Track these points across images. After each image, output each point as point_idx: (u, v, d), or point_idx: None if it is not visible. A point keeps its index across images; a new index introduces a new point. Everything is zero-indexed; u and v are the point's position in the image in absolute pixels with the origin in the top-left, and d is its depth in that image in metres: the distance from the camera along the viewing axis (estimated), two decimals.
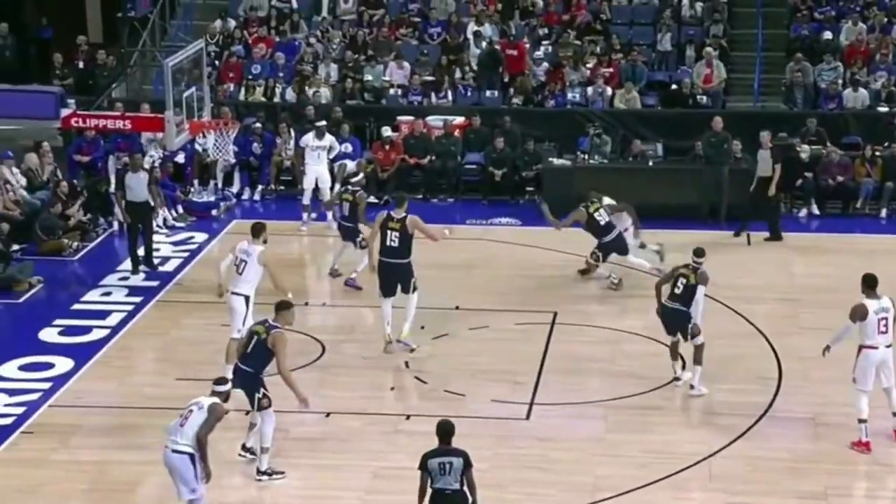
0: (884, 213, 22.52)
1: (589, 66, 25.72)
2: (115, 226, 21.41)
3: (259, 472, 13.39)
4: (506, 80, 25.95)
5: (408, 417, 14.80)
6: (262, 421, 13.28)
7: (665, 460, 13.76)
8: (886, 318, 13.85)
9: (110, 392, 15.58)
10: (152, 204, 19.80)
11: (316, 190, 21.68)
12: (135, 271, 19.49)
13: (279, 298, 13.85)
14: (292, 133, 23.57)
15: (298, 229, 21.45)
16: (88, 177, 22.67)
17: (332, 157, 22.30)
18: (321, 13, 28.01)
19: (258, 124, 23.87)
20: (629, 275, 18.78)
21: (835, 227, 22.00)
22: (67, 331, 17.36)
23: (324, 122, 22.34)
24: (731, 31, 27.18)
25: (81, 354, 16.53)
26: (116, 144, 23.00)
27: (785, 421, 14.75)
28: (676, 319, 15.30)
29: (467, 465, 11.16)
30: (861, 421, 13.93)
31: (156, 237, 20.23)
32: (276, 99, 25.63)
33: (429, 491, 11.21)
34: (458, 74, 26.05)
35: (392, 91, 25.85)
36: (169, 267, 19.86)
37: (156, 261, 19.79)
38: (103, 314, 17.92)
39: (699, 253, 15.43)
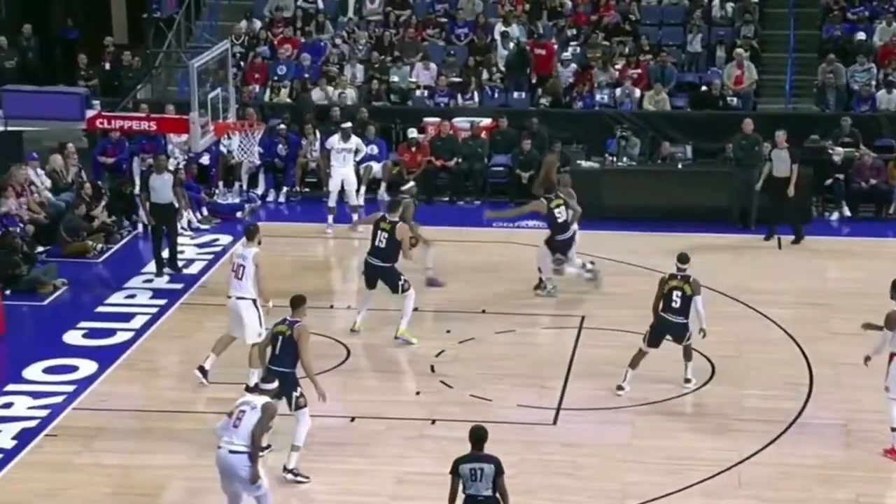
0: None
1: (617, 67, 25.54)
2: (140, 228, 21.38)
3: (286, 468, 13.35)
4: (533, 81, 25.78)
5: (433, 422, 14.69)
6: (297, 420, 13.28)
7: (694, 467, 13.62)
8: None
9: (134, 395, 15.56)
10: (177, 206, 19.78)
11: (342, 192, 21.57)
12: (159, 274, 19.45)
13: (295, 294, 13.72)
14: (318, 134, 23.48)
15: (323, 232, 21.36)
16: (113, 178, 22.67)
17: (358, 159, 22.21)
18: (347, 14, 27.92)
19: (283, 126, 23.80)
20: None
21: (867, 231, 21.80)
22: (91, 333, 17.34)
23: (349, 124, 22.26)
24: (762, 31, 26.94)
25: (105, 357, 16.50)
26: (141, 146, 22.97)
27: (816, 427, 14.60)
28: (676, 332, 15.19)
29: (499, 471, 11.08)
30: (894, 429, 13.76)
31: (180, 239, 20.19)
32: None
33: (461, 497, 11.11)
34: (485, 75, 25.91)
35: (418, 92, 25.74)
36: (193, 269, 19.81)
37: (180, 263, 19.74)
38: (127, 317, 17.90)
39: (683, 259, 15.22)
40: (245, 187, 23.46)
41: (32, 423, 14.67)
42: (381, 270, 16.74)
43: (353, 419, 14.64)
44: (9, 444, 14.21)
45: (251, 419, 11.70)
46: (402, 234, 16.70)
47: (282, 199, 23.57)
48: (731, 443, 14.22)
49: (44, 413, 14.93)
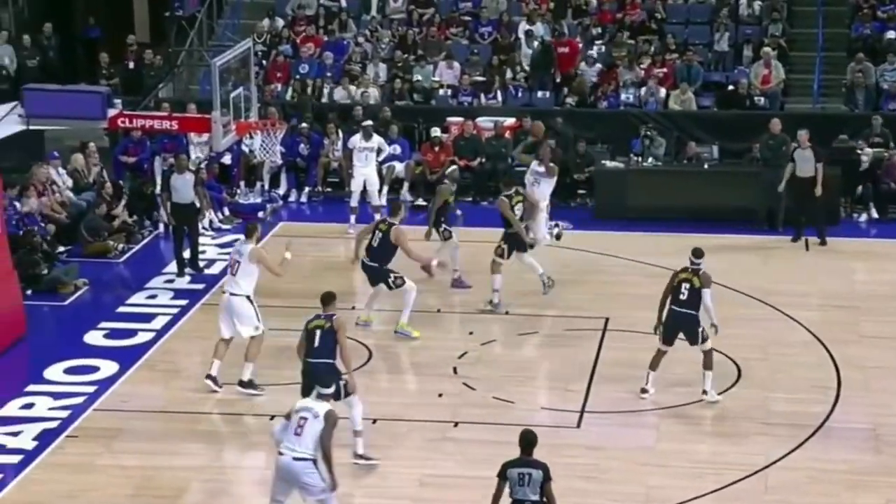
0: None
1: (643, 66, 25.37)
2: (161, 228, 21.34)
3: (356, 454, 13.50)
4: (558, 80, 25.63)
5: (455, 424, 14.61)
6: (350, 406, 13.37)
7: (719, 471, 13.51)
8: None
9: (155, 396, 15.52)
10: (198, 206, 19.72)
11: (364, 193, 21.47)
12: (180, 274, 19.41)
13: (326, 291, 13.82)
14: (340, 134, 23.39)
15: (346, 232, 21.25)
16: (134, 178, 22.65)
17: (380, 159, 22.12)
18: (370, 12, 27.84)
19: (305, 125, 23.70)
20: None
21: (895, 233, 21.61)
22: (112, 334, 17.32)
23: (370, 122, 22.17)
24: (790, 30, 26.73)
25: (126, 358, 16.48)
26: (163, 145, 22.93)
27: (844, 432, 14.47)
28: (686, 324, 14.93)
29: (547, 478, 11.09)
30: None
31: (201, 239, 20.15)
32: (324, 99, 25.44)
33: (506, 500, 11.09)
34: (508, 75, 25.77)
35: (442, 91, 25.63)
36: (214, 270, 19.72)
37: (201, 263, 19.68)
38: (148, 317, 17.87)
39: (698, 254, 15.01)
40: (267, 187, 23.40)
41: (53, 424, 14.66)
42: (371, 270, 16.88)
43: (374, 421, 14.48)
44: (30, 444, 14.19)
45: (314, 427, 11.66)
46: (398, 236, 16.78)
47: (303, 199, 23.50)
48: (757, 447, 14.08)
49: (65, 414, 14.91)
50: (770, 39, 25.82)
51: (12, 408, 15.11)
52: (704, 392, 15.05)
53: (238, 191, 23.09)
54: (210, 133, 17.47)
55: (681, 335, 15.07)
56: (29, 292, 18.26)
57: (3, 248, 16.95)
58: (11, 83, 24.92)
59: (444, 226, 18.63)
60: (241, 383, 15.22)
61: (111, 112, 17.04)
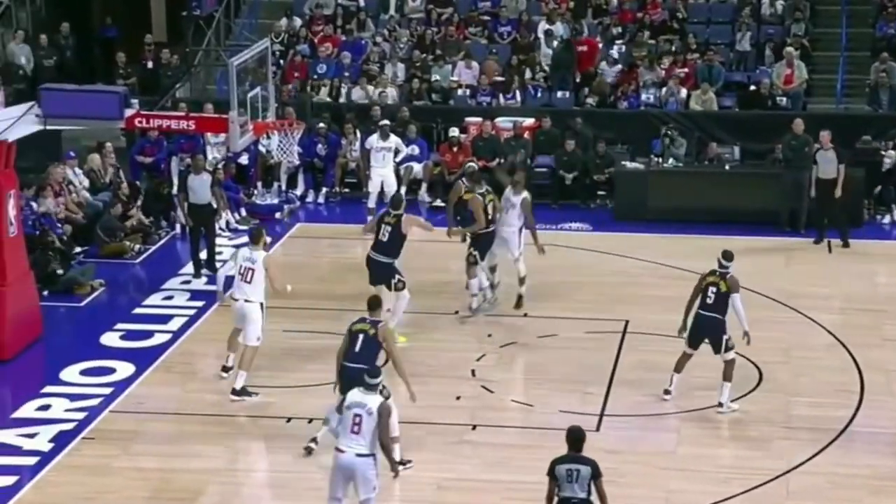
0: None
1: (664, 66, 25.21)
2: (178, 228, 21.28)
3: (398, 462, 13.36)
4: (578, 79, 25.49)
5: (474, 427, 14.53)
6: None
7: (740, 475, 13.41)
8: None
9: (172, 398, 15.47)
10: (215, 206, 19.65)
11: (381, 193, 21.37)
12: (197, 275, 19.35)
13: (373, 296, 13.97)
14: (358, 134, 23.30)
15: (363, 233, 21.14)
16: (151, 178, 22.60)
17: (398, 159, 22.00)
18: (388, 11, 27.76)
19: (322, 125, 23.62)
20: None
21: None
22: (129, 335, 17.28)
23: (387, 122, 22.04)
24: (813, 29, 26.56)
25: (143, 359, 16.44)
26: (179, 146, 22.88)
27: (867, 436, 14.35)
28: (711, 329, 14.74)
29: (596, 474, 10.98)
30: None
31: (218, 240, 20.06)
32: (342, 99, 25.37)
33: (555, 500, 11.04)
34: (528, 74, 25.64)
35: (460, 91, 25.53)
36: (231, 271, 19.61)
37: (218, 264, 19.58)
38: (165, 318, 17.82)
39: (728, 256, 14.83)
40: (284, 188, 23.33)
41: (69, 426, 14.62)
42: (381, 266, 16.65)
43: None
44: (46, 446, 14.16)
45: (370, 424, 11.65)
46: (411, 222, 16.73)
47: (321, 199, 23.43)
48: (778, 451, 13.99)
49: (81, 416, 14.88)
50: (793, 39, 25.64)
51: (29, 409, 15.09)
52: (720, 404, 14.82)
53: (255, 191, 23.00)
54: (227, 133, 17.42)
55: (706, 341, 14.92)
56: (45, 293, 18.23)
57: (19, 248, 16.92)
58: (28, 83, 24.92)
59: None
60: (235, 391, 15.20)
61: (128, 112, 16.99)
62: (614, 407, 14.98)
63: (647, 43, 25.96)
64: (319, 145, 23.43)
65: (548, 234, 21.23)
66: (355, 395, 11.88)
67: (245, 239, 20.93)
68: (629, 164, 22.67)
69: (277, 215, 22.38)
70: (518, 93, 25.28)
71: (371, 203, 21.42)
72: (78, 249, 20.10)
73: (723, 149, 22.77)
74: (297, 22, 27.26)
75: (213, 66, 24.80)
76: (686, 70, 25.26)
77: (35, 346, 16.88)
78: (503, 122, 24.02)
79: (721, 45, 26.15)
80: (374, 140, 21.85)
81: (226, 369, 15.65)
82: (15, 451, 14.09)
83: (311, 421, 14.34)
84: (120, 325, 17.54)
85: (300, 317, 16.65)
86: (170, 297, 18.66)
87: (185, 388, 15.71)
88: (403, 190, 22.28)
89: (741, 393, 15.13)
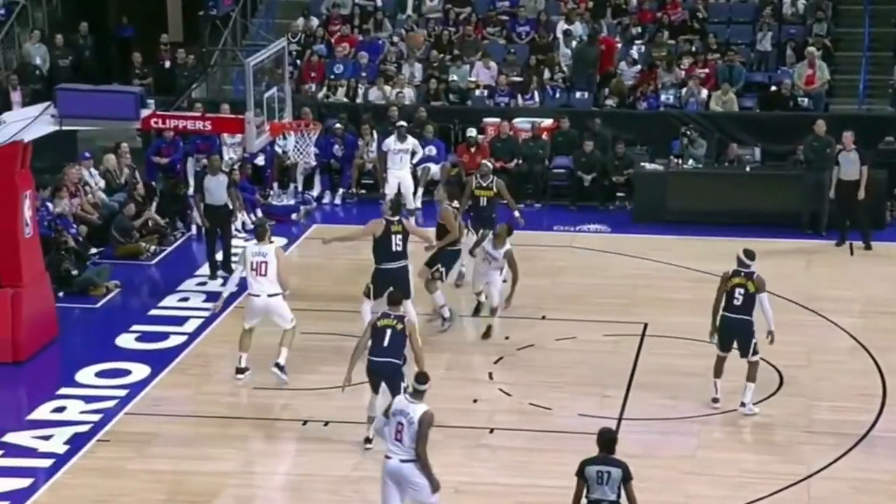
0: None
1: (684, 66, 25.06)
2: (193, 229, 21.24)
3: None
4: (597, 80, 25.37)
5: (491, 431, 14.46)
6: None
7: (760, 480, 13.31)
8: None
9: (187, 400, 15.43)
10: (231, 207, 19.58)
11: (398, 195, 21.24)
12: (213, 276, 19.29)
13: (394, 293, 13.92)
14: (375, 135, 23.22)
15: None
16: (167, 179, 22.57)
17: (414, 161, 21.91)
18: (406, 11, 27.67)
19: (339, 126, 23.55)
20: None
21: None
22: (144, 337, 17.25)
23: (404, 124, 21.94)
24: (835, 29, 26.41)
25: (158, 361, 16.40)
26: (195, 146, 22.83)
27: (889, 441, 14.22)
28: (741, 332, 14.61)
29: (626, 477, 10.89)
30: None
31: (234, 241, 19.97)
32: (359, 100, 25.30)
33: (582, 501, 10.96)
34: (546, 75, 25.52)
35: (478, 92, 25.42)
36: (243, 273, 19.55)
37: (234, 266, 19.49)
38: (180, 320, 17.78)
39: (750, 255, 14.71)
40: (300, 189, 23.25)
41: (85, 428, 14.60)
42: (402, 272, 16.16)
43: None
44: (61, 448, 14.13)
45: (411, 433, 11.56)
46: (411, 228, 16.64)
47: (337, 200, 23.35)
48: (799, 456, 13.89)
49: (96, 417, 14.85)
50: (814, 39, 25.48)
51: (44, 411, 15.07)
52: (742, 404, 14.75)
53: (271, 192, 22.94)
54: (243, 134, 17.35)
55: (735, 345, 14.80)
56: (61, 294, 18.19)
57: (35, 249, 16.89)
58: (44, 83, 24.90)
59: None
60: (278, 365, 15.36)
61: (144, 112, 16.95)
62: (633, 410, 14.88)
63: (666, 43, 25.83)
64: (336, 146, 23.37)
65: (566, 236, 21.29)
66: (401, 401, 11.75)
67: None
68: (648, 166, 22.55)
69: (294, 216, 22.32)
70: (536, 93, 25.18)
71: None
72: (93, 250, 20.07)
73: (743, 150, 22.64)
74: (315, 22, 27.19)
75: (230, 67, 24.79)
76: (706, 70, 25.12)
77: (50, 347, 16.86)
78: (521, 122, 23.91)
79: (742, 45, 26.00)
80: (391, 142, 21.77)
81: (240, 371, 15.63)
82: (30, 453, 14.07)
83: (327, 424, 14.30)
84: (135, 327, 17.51)
85: (314, 318, 16.60)
86: (185, 299, 18.62)
87: (201, 390, 15.65)
88: (420, 192, 22.21)
89: (762, 396, 15.02)
